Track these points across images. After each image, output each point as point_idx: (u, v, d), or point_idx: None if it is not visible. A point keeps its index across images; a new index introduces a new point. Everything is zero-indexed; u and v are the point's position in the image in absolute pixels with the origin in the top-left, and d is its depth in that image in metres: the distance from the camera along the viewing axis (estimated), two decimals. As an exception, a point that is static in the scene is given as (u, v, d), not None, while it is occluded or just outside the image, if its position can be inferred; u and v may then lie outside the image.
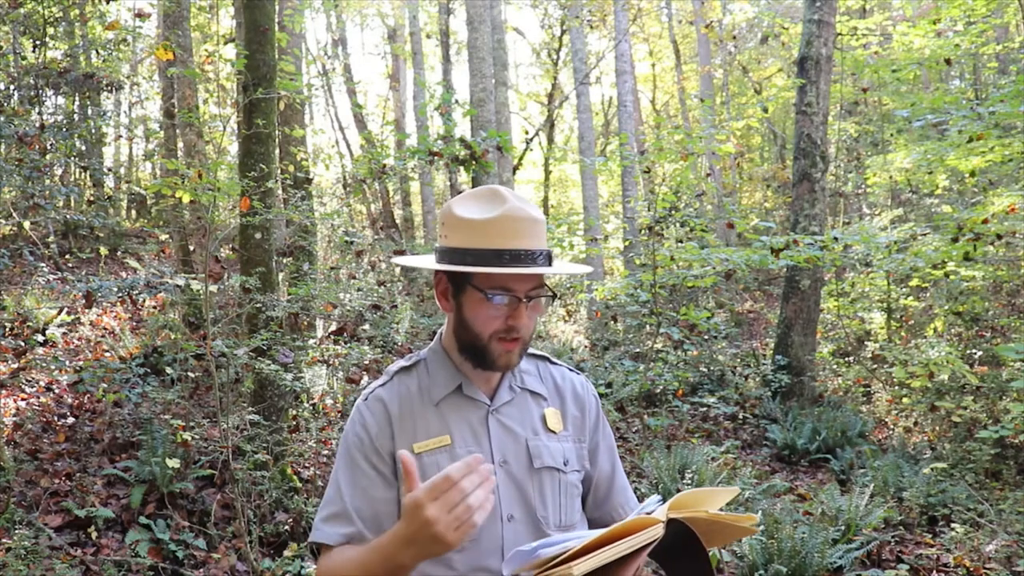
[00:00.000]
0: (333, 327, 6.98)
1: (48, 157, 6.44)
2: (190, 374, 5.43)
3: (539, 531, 1.32)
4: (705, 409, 6.93)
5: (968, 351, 7.25)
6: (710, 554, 3.69)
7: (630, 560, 1.04)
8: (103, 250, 9.38)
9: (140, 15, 5.96)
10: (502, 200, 1.30)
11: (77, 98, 9.55)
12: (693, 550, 1.14)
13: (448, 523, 1.07)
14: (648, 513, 1.09)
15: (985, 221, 5.91)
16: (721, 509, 1.15)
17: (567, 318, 13.30)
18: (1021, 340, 6.21)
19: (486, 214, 1.28)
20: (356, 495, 1.31)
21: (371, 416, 1.35)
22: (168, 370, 5.59)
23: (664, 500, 1.16)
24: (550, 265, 1.31)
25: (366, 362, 5.79)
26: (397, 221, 15.82)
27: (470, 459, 1.09)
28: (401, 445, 1.31)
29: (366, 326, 7.01)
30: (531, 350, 1.47)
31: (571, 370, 1.51)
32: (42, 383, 5.78)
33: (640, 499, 1.34)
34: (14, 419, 4.90)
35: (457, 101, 11.47)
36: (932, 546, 4.22)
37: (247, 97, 4.53)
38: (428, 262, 1.38)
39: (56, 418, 5.17)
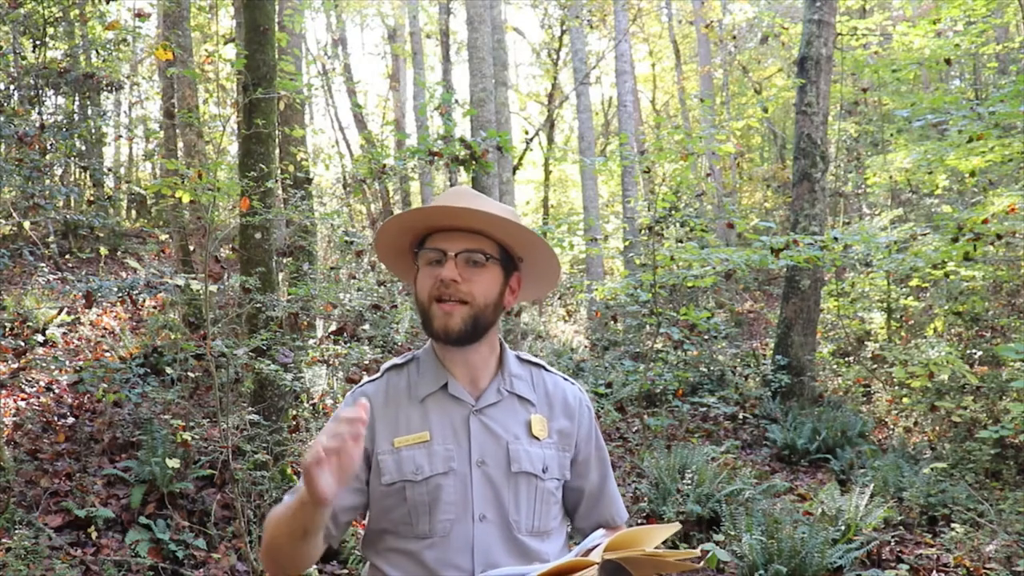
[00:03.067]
0: (333, 327, 6.98)
1: (48, 157, 6.43)
2: (190, 374, 5.43)
3: (510, 534, 1.33)
4: (705, 409, 6.93)
5: (968, 351, 7.25)
6: (709, 557, 3.64)
7: None
8: (103, 250, 9.38)
9: (140, 15, 5.96)
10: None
11: (77, 98, 9.54)
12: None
13: (311, 446, 1.10)
14: (590, 548, 1.12)
15: (985, 221, 5.90)
16: (665, 543, 1.20)
17: (567, 318, 13.31)
18: (1021, 340, 6.21)
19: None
20: None
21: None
22: (168, 370, 5.59)
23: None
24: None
25: (366, 362, 5.79)
26: (397, 221, 15.77)
27: (353, 415, 1.10)
28: (382, 439, 1.36)
29: (366, 326, 7.01)
30: (527, 356, 1.49)
31: (566, 379, 1.50)
32: (42, 383, 5.77)
33: (636, 499, 1.36)
34: (14, 419, 4.90)
35: (457, 101, 11.47)
36: (932, 546, 4.22)
37: (247, 97, 4.53)
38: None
39: (56, 418, 5.17)
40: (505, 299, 1.39)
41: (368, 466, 1.37)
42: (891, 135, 11.62)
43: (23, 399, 5.43)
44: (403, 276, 1.52)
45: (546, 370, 1.49)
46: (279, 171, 5.63)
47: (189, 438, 4.05)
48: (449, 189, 1.39)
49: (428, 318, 1.34)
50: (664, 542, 1.18)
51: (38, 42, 7.67)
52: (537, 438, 1.38)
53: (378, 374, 1.45)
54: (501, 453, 1.35)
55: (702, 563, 3.78)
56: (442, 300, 1.32)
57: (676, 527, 1.17)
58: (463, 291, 1.31)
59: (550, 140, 18.02)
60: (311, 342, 5.95)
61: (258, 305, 4.48)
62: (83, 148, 9.75)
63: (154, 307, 7.95)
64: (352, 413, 1.10)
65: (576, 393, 1.48)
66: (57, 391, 5.69)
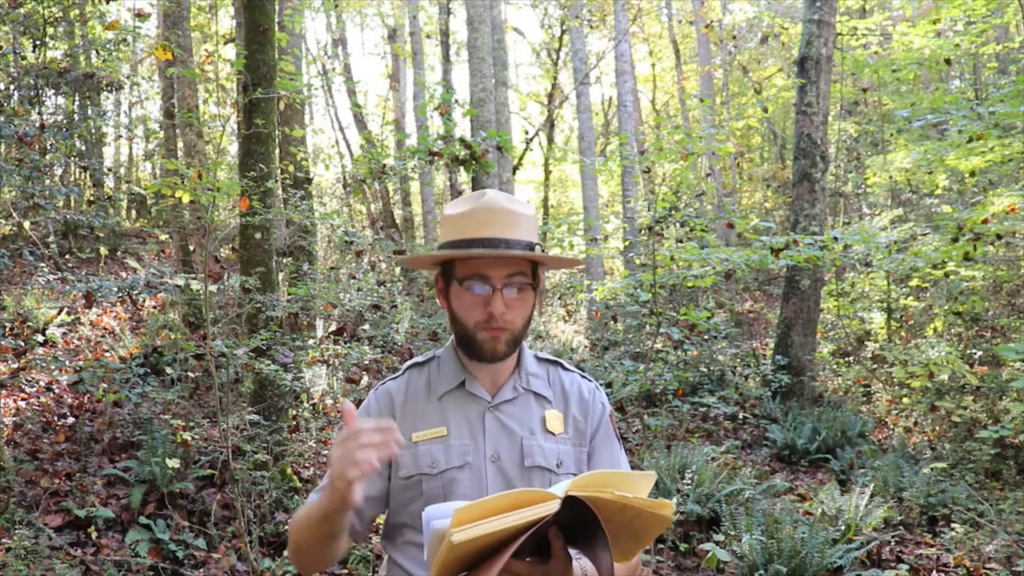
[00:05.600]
0: (333, 327, 6.98)
1: (48, 157, 6.43)
2: (190, 374, 5.43)
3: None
4: (705, 409, 6.93)
5: (968, 351, 7.25)
6: (709, 557, 3.62)
7: (516, 535, 0.99)
8: (103, 250, 9.38)
9: (140, 15, 5.95)
10: (483, 195, 1.37)
11: (77, 98, 9.54)
12: (593, 531, 1.07)
13: (339, 463, 1.11)
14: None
15: (985, 221, 5.90)
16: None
17: (567, 318, 13.31)
18: (1021, 340, 6.21)
19: (464, 208, 1.36)
20: None
21: (376, 405, 1.45)
22: (168, 370, 5.59)
23: None
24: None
25: (366, 362, 5.79)
26: (397, 221, 15.82)
27: (381, 423, 1.13)
28: (400, 435, 1.36)
29: (366, 326, 7.01)
30: (544, 355, 1.52)
31: (583, 376, 1.52)
32: (42, 383, 5.77)
33: None
34: (14, 419, 4.90)
35: (457, 101, 11.47)
36: (932, 546, 4.22)
37: (247, 97, 4.53)
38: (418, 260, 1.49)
39: (56, 418, 5.17)
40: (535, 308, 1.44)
41: (389, 462, 1.40)
42: (891, 135, 11.62)
43: (23, 399, 5.42)
44: (420, 268, 1.54)
45: (564, 368, 1.52)
46: (279, 171, 5.63)
47: (189, 438, 4.06)
48: (479, 206, 1.36)
49: (473, 342, 1.36)
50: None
51: (38, 42, 7.66)
52: (552, 433, 1.41)
53: (400, 372, 1.50)
54: (515, 448, 1.37)
55: (701, 563, 3.78)
56: (487, 328, 1.35)
57: (652, 475, 1.08)
58: (507, 319, 1.35)
59: (550, 140, 18.02)
60: (311, 342, 5.95)
61: (258, 305, 4.48)
62: (83, 148, 9.75)
63: (154, 307, 7.95)
64: (382, 424, 1.13)
65: (591, 389, 1.50)
66: (57, 391, 5.69)
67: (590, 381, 1.52)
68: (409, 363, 1.51)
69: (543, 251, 1.36)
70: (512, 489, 1.31)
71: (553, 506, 1.00)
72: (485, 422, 1.39)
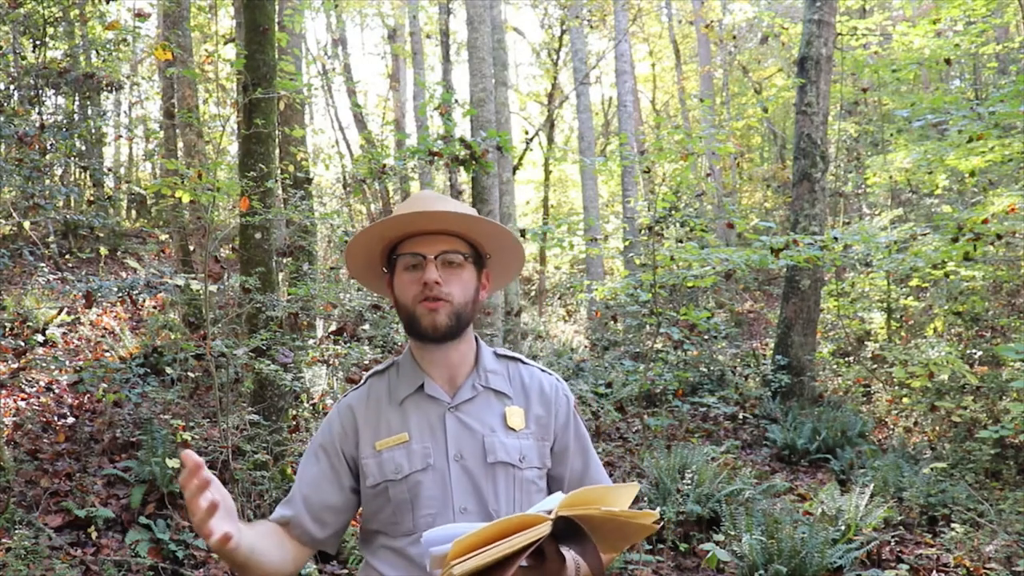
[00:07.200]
0: (333, 327, 6.99)
1: (48, 157, 6.43)
2: (190, 374, 5.43)
3: None
4: (705, 409, 6.93)
5: (968, 351, 7.25)
6: (709, 557, 3.61)
7: (513, 557, 1.03)
8: (103, 250, 9.38)
9: (140, 15, 5.95)
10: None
11: (77, 98, 9.54)
12: (585, 547, 1.14)
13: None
14: (548, 512, 1.09)
15: (985, 221, 5.90)
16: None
17: (567, 318, 13.32)
18: (1021, 340, 6.21)
19: (399, 205, 1.44)
20: (308, 484, 1.43)
21: (338, 420, 1.46)
22: (168, 370, 5.59)
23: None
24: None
25: (366, 362, 5.79)
26: (397, 221, 15.76)
27: (191, 464, 1.07)
28: (365, 444, 1.42)
29: (366, 326, 7.01)
30: (503, 351, 1.53)
31: (543, 370, 1.53)
32: (42, 383, 5.78)
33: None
34: (14, 419, 4.90)
35: (457, 101, 11.46)
36: (932, 546, 4.22)
37: (247, 97, 4.53)
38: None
39: (56, 418, 5.17)
40: (479, 294, 1.46)
41: (353, 472, 1.43)
42: (891, 135, 11.62)
43: (23, 399, 5.43)
44: (374, 288, 1.56)
45: (523, 363, 1.52)
46: (279, 171, 5.63)
47: (189, 438, 4.06)
48: (411, 196, 1.44)
49: (414, 319, 1.39)
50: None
51: (38, 42, 7.66)
52: (513, 429, 1.42)
53: (362, 382, 1.51)
54: (477, 446, 1.38)
55: (701, 563, 3.78)
56: (426, 300, 1.37)
57: (635, 487, 1.14)
58: (444, 292, 1.37)
59: (550, 140, 18.01)
60: (311, 342, 5.95)
61: (258, 305, 4.48)
62: (83, 148, 9.75)
63: (154, 307, 7.95)
64: (189, 463, 1.08)
65: (552, 383, 1.51)
66: (57, 391, 5.69)
67: (550, 375, 1.52)
68: (370, 372, 1.52)
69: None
70: (477, 487, 1.36)
71: (546, 528, 1.05)
72: (446, 423, 1.40)
